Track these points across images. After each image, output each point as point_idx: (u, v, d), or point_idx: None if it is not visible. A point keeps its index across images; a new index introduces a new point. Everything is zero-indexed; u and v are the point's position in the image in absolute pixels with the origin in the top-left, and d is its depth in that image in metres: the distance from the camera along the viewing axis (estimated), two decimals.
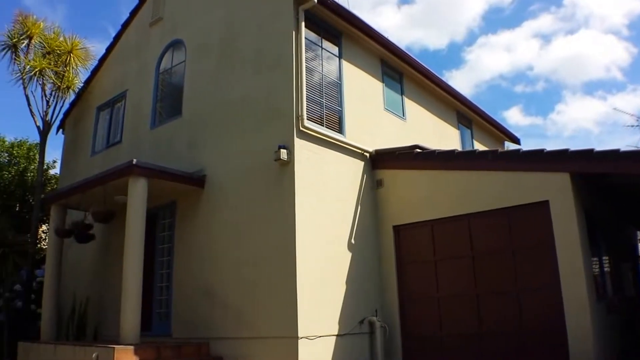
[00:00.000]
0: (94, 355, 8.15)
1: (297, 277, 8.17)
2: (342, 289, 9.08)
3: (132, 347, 8.20)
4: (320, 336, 8.33)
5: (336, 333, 8.72)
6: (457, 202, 9.35)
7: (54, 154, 35.46)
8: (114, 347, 8.00)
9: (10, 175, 14.94)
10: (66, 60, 13.80)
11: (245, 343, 8.63)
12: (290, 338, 8.01)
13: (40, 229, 13.98)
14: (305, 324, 8.09)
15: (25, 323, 12.25)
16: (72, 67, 13.93)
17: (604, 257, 10.26)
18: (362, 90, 10.85)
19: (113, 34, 14.36)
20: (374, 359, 9.21)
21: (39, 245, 13.77)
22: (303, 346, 7.98)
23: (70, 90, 14.03)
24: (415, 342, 9.44)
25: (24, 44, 13.93)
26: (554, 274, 8.08)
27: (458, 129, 14.39)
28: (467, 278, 9.10)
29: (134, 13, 13.69)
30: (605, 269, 10.30)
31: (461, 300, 9.14)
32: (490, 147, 15.43)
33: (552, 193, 8.31)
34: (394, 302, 9.73)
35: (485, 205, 9.02)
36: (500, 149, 11.66)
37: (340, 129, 9.95)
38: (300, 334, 7.98)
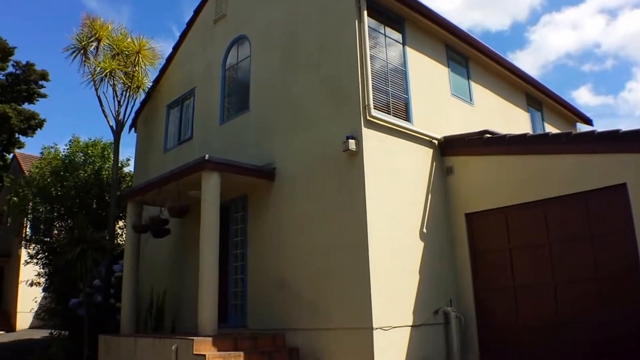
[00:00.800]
0: (173, 347, 8.39)
1: (370, 267, 8.14)
2: (415, 278, 8.98)
3: (210, 339, 8.38)
4: (394, 327, 8.27)
5: (411, 324, 8.64)
6: (530, 187, 9.08)
7: (127, 152, 36.64)
8: (192, 339, 8.22)
9: (86, 174, 15.47)
10: (135, 60, 14.12)
11: (320, 334, 8.68)
12: (364, 329, 7.99)
13: (117, 225, 14.41)
14: (379, 315, 8.05)
15: (104, 317, 12.70)
16: (141, 67, 14.21)
17: None
18: (427, 77, 10.67)
19: (176, 33, 14.74)
20: (450, 350, 9.07)
21: (116, 241, 14.20)
22: (378, 337, 7.94)
23: (141, 90, 14.36)
24: (491, 333, 9.24)
25: (93, 47, 14.31)
26: (633, 260, 7.76)
27: (528, 111, 13.95)
28: (543, 266, 8.83)
29: (197, 11, 13.92)
30: None
31: (537, 289, 8.88)
32: (561, 130, 14.91)
33: (629, 175, 7.94)
34: (468, 291, 9.56)
35: (560, 190, 8.73)
36: (573, 131, 11.23)
37: (407, 117, 9.82)
38: (374, 325, 7.95)
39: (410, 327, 8.60)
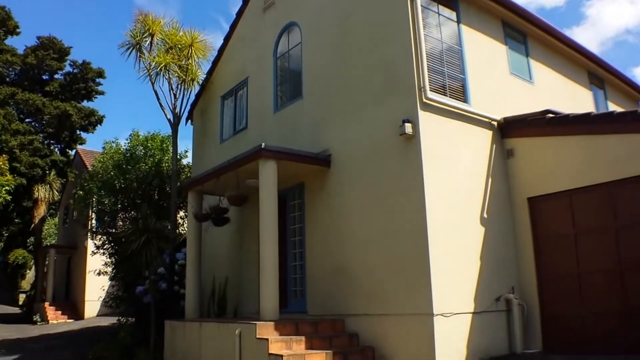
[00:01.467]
0: (237, 331, 8.60)
1: (430, 253, 8.05)
2: (476, 265, 8.83)
3: (272, 324, 8.53)
4: (455, 313, 8.17)
5: (472, 310, 8.50)
6: (596, 169, 8.71)
7: (184, 144, 37.40)
8: (255, 324, 8.39)
9: (147, 167, 15.91)
10: (188, 53, 14.31)
11: (379, 320, 8.68)
12: (425, 315, 7.93)
13: (178, 215, 14.78)
14: (439, 301, 7.96)
15: (169, 303, 13.09)
16: (194, 60, 14.40)
17: None
18: (484, 55, 10.37)
19: (224, 25, 14.89)
20: (512, 338, 8.88)
21: (177, 231, 14.57)
22: (438, 323, 7.86)
23: (195, 82, 14.55)
24: (555, 321, 8.96)
25: (147, 42, 14.59)
26: None
27: (590, 90, 13.39)
28: (610, 252, 8.46)
29: (246, 0, 13.99)
30: None
31: (604, 276, 8.54)
32: (625, 108, 14.27)
33: None
34: (531, 278, 9.29)
35: (628, 171, 8.30)
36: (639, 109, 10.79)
37: (464, 98, 9.59)
38: (435, 311, 7.87)
39: (471, 314, 8.47)
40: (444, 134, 8.98)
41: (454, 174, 8.93)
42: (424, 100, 8.72)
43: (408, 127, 8.51)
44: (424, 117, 8.66)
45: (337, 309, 9.43)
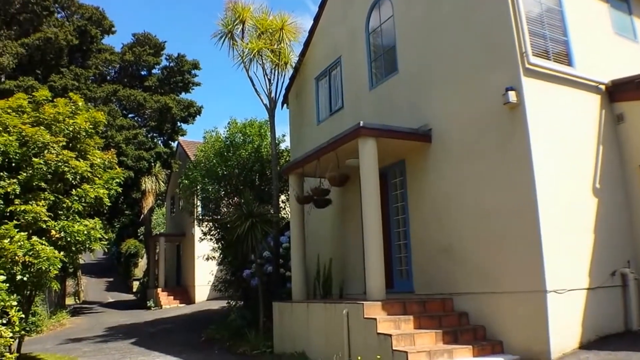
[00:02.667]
0: (344, 311, 8.62)
1: (540, 227, 7.68)
2: (589, 238, 8.33)
3: (379, 303, 8.49)
4: (569, 289, 7.76)
5: (586, 286, 8.04)
6: None
7: (281, 128, 37.98)
8: (363, 304, 8.38)
9: (247, 153, 16.24)
10: (279, 37, 14.40)
11: (489, 298, 8.42)
12: (537, 292, 7.60)
13: (280, 199, 15.00)
14: (552, 277, 7.59)
15: (275, 286, 13.35)
16: (286, 43, 14.49)
17: None
18: (586, 15, 9.66)
19: (312, 6, 14.74)
20: (627, 314, 8.34)
21: (280, 214, 14.79)
22: (552, 300, 7.52)
23: (288, 65, 14.67)
24: None
25: (238, 29, 14.81)
26: None
27: None
28: None
29: None
30: None
31: None
32: None
33: None
34: None
35: None
36: None
37: (569, 62, 8.98)
38: (548, 288, 7.52)
39: (585, 290, 8.03)
40: (550, 101, 8.49)
41: (562, 142, 8.44)
42: (527, 65, 8.28)
43: (512, 96, 8.10)
44: (527, 83, 8.22)
45: (445, 288, 9.24)
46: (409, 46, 10.79)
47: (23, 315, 6.38)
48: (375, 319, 8.05)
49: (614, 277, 8.41)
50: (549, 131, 8.30)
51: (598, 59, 9.46)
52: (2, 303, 5.36)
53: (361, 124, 9.29)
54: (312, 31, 14.72)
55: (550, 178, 8.03)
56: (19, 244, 9.02)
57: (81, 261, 28.31)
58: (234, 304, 15.85)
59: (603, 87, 9.27)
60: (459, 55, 9.45)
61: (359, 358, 7.94)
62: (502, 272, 8.24)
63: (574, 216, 8.24)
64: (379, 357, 7.57)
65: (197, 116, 31.35)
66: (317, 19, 14.58)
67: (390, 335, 7.67)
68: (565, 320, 7.67)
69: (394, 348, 7.54)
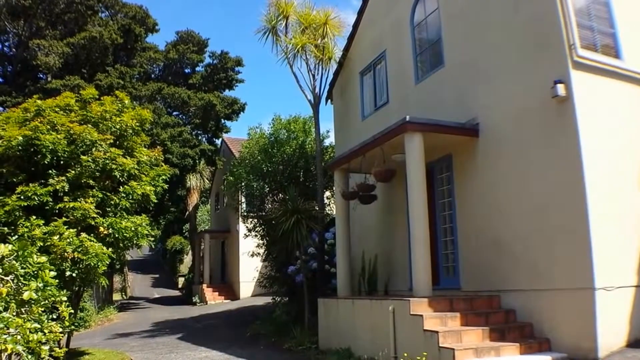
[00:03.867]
0: (390, 307, 8.59)
1: (589, 223, 7.47)
2: (638, 234, 8.04)
3: (425, 300, 8.42)
4: (618, 287, 7.53)
5: (636, 284, 7.80)
6: None
7: (325, 125, 37.97)
8: (409, 300, 8.33)
9: (291, 149, 16.28)
10: (323, 32, 14.30)
11: (537, 295, 8.25)
12: (585, 289, 7.40)
13: (324, 195, 14.97)
14: (601, 274, 7.38)
15: (320, 282, 13.33)
16: (330, 38, 14.38)
17: None
18: (632, 6, 9.30)
19: (353, 1, 14.50)
20: None
21: (325, 210, 14.77)
22: (600, 298, 7.31)
23: (332, 60, 14.56)
24: None
25: (281, 25, 14.74)
26: None
27: None
28: None
29: None
30: None
31: None
32: None
33: None
34: None
35: None
36: None
37: (616, 54, 8.71)
38: (596, 285, 7.32)
39: (634, 288, 7.78)
40: (598, 94, 8.24)
41: (611, 136, 8.18)
42: (575, 58, 8.06)
43: (560, 89, 7.90)
44: (576, 76, 8.00)
45: (492, 285, 9.08)
46: (455, 39, 10.61)
47: (72, 311, 6.49)
48: (421, 315, 7.98)
49: None
50: (598, 125, 8.07)
51: None
52: (53, 298, 5.45)
53: (407, 119, 9.19)
54: (355, 25, 14.63)
55: (599, 173, 7.81)
56: (68, 240, 9.19)
57: (128, 257, 28.98)
58: (278, 300, 15.94)
59: None
60: (506, 48, 9.26)
61: (405, 355, 7.87)
62: (550, 268, 8.05)
63: (623, 213, 8.00)
64: (425, 354, 7.50)
65: (241, 113, 31.57)
66: (360, 13, 14.48)
67: (437, 332, 7.59)
68: (614, 318, 7.48)
69: (440, 345, 7.47)
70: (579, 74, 8.06)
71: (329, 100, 15.93)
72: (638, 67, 8.78)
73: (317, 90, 14.64)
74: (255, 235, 17.37)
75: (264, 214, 16.54)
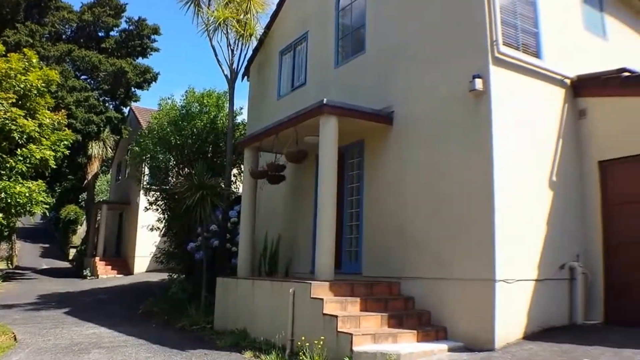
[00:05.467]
0: (291, 290, 8.47)
1: (495, 216, 7.65)
2: (542, 230, 8.38)
3: (327, 284, 8.37)
4: (518, 280, 7.80)
5: (535, 277, 8.10)
6: None
7: (239, 102, 37.36)
8: (310, 283, 8.24)
9: (202, 123, 15.81)
10: (246, 7, 13.99)
11: (437, 284, 8.37)
12: (486, 280, 7.58)
13: (232, 173, 14.68)
14: (502, 266, 7.59)
15: (221, 260, 13.05)
16: (253, 14, 14.08)
17: None
18: (558, 8, 9.64)
19: None
20: (573, 307, 8.48)
21: (231, 188, 14.48)
22: (500, 289, 7.51)
23: (253, 37, 14.29)
24: (620, 292, 8.43)
25: None
26: None
27: None
28: None
29: None
30: None
31: None
32: None
33: None
34: (597, 246, 8.76)
35: None
36: None
37: (537, 54, 8.96)
38: (497, 277, 7.51)
39: (533, 281, 8.09)
40: (516, 92, 8.46)
41: (524, 134, 8.44)
42: (496, 55, 8.20)
43: (478, 83, 8.01)
44: (495, 72, 8.14)
45: (393, 272, 9.16)
46: (379, 27, 10.60)
47: None
48: (322, 299, 7.92)
49: (562, 271, 8.51)
50: (512, 121, 8.27)
51: (566, 53, 9.48)
52: None
53: (325, 101, 9.08)
54: (280, 4, 14.35)
55: (508, 168, 8.01)
56: None
57: (18, 225, 27.33)
58: (175, 277, 15.48)
59: (568, 81, 9.29)
60: (429, 40, 9.32)
61: (303, 338, 7.77)
62: (452, 258, 8.20)
63: (529, 208, 8.27)
64: (323, 338, 7.45)
65: (153, 83, 30.62)
66: None
67: (336, 317, 7.54)
68: (512, 310, 7.71)
69: (339, 329, 7.42)
70: (499, 70, 8.21)
71: (246, 77, 15.60)
72: (557, 68, 9.08)
73: (234, 65, 14.31)
74: (157, 209, 16.75)
75: (168, 187, 15.98)
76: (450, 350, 7.53)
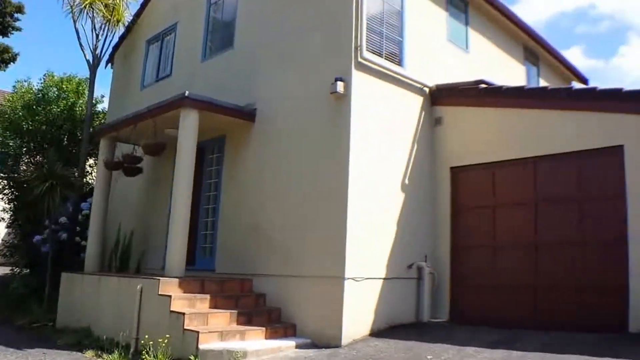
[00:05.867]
0: (138, 286, 8.15)
1: (348, 216, 7.86)
2: (392, 231, 8.73)
3: (176, 280, 8.16)
4: (367, 278, 8.06)
5: (383, 276, 8.43)
6: (523, 143, 8.74)
7: (101, 90, 35.59)
8: (159, 279, 7.99)
9: (59, 110, 14.84)
10: None
11: (290, 281, 8.42)
12: (336, 278, 7.75)
13: (87, 163, 13.91)
14: (352, 265, 7.81)
15: (69, 255, 12.30)
16: (122, 0, 13.52)
17: None
18: (424, 20, 10.11)
19: None
20: (419, 305, 8.91)
21: (85, 179, 13.73)
22: (349, 287, 7.72)
23: (120, 24, 13.68)
24: (465, 291, 9.01)
25: None
26: (621, 227, 7.48)
27: (524, 65, 13.38)
28: (527, 226, 8.54)
29: None
30: None
31: (519, 249, 8.62)
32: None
33: (628, 137, 7.62)
34: (445, 248, 9.30)
35: (554, 148, 8.38)
36: (573, 87, 10.82)
37: (400, 61, 9.33)
38: (346, 275, 7.71)
39: (382, 280, 8.40)
40: (376, 97, 8.74)
41: (382, 138, 8.75)
42: (359, 59, 8.44)
43: (340, 86, 8.18)
44: (357, 77, 8.38)
45: (246, 269, 9.10)
46: (249, 23, 10.53)
47: None
48: (169, 296, 7.66)
49: (410, 270, 8.89)
50: (371, 125, 8.53)
51: (428, 63, 9.94)
52: None
53: (186, 94, 8.87)
54: None
55: (364, 171, 8.24)
56: None
57: None
58: (18, 271, 14.37)
59: (428, 89, 9.75)
60: (297, 40, 9.38)
61: (146, 336, 7.44)
62: (304, 256, 8.29)
63: (382, 209, 8.55)
64: (168, 336, 7.16)
65: (12, 63, 28.22)
66: None
67: (183, 314, 7.34)
68: (360, 307, 7.91)
69: (185, 327, 7.22)
70: (361, 75, 8.44)
71: (110, 65, 14.92)
72: (418, 76, 9.51)
73: (98, 51, 13.57)
74: (2, 198, 15.49)
75: (16, 175, 14.82)
76: (298, 346, 7.59)
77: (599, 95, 8.16)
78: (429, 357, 6.60)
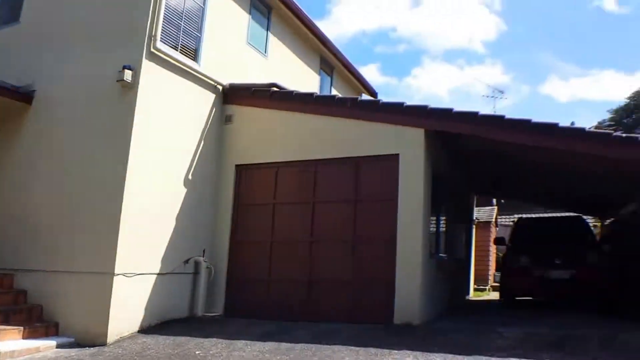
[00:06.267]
0: None
1: (122, 209, 7.61)
2: (170, 225, 8.66)
3: None
4: (139, 274, 7.90)
5: (158, 271, 8.32)
6: (308, 146, 9.18)
7: None
8: None
9: None
10: None
11: (57, 277, 7.89)
12: (105, 274, 7.47)
13: None
14: (124, 260, 7.60)
15: None
16: None
17: (442, 218, 10.55)
18: (226, 20, 10.15)
19: None
20: (195, 300, 8.96)
21: None
22: (118, 283, 7.48)
23: None
24: (241, 285, 9.25)
25: None
26: (392, 227, 8.19)
27: (319, 74, 14.09)
28: (304, 225, 9.04)
29: None
30: (442, 229, 10.62)
31: (295, 246, 9.08)
32: None
33: (404, 147, 8.36)
34: (224, 243, 9.48)
35: (336, 152, 8.94)
36: (359, 97, 11.51)
37: (195, 57, 9.25)
38: (117, 270, 7.48)
39: (156, 275, 8.29)
40: (167, 89, 8.57)
41: (169, 131, 8.61)
42: (152, 49, 8.20)
43: (128, 74, 7.88)
44: (148, 66, 8.14)
45: (8, 263, 8.34)
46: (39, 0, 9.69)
47: None
48: None
49: (187, 265, 8.88)
50: (158, 117, 8.35)
51: (225, 62, 9.99)
52: None
53: None
54: None
55: (145, 163, 8.04)
56: None
57: None
58: None
59: (221, 88, 9.81)
60: (89, 23, 8.84)
61: None
62: (75, 251, 7.84)
63: (160, 204, 8.41)
64: None
65: None
66: None
67: None
68: (129, 304, 7.71)
69: None
70: (152, 65, 8.21)
71: None
72: (212, 74, 9.54)
73: None
74: None
75: None
76: (59, 346, 7.20)
77: (382, 107, 8.84)
78: (197, 352, 6.60)
